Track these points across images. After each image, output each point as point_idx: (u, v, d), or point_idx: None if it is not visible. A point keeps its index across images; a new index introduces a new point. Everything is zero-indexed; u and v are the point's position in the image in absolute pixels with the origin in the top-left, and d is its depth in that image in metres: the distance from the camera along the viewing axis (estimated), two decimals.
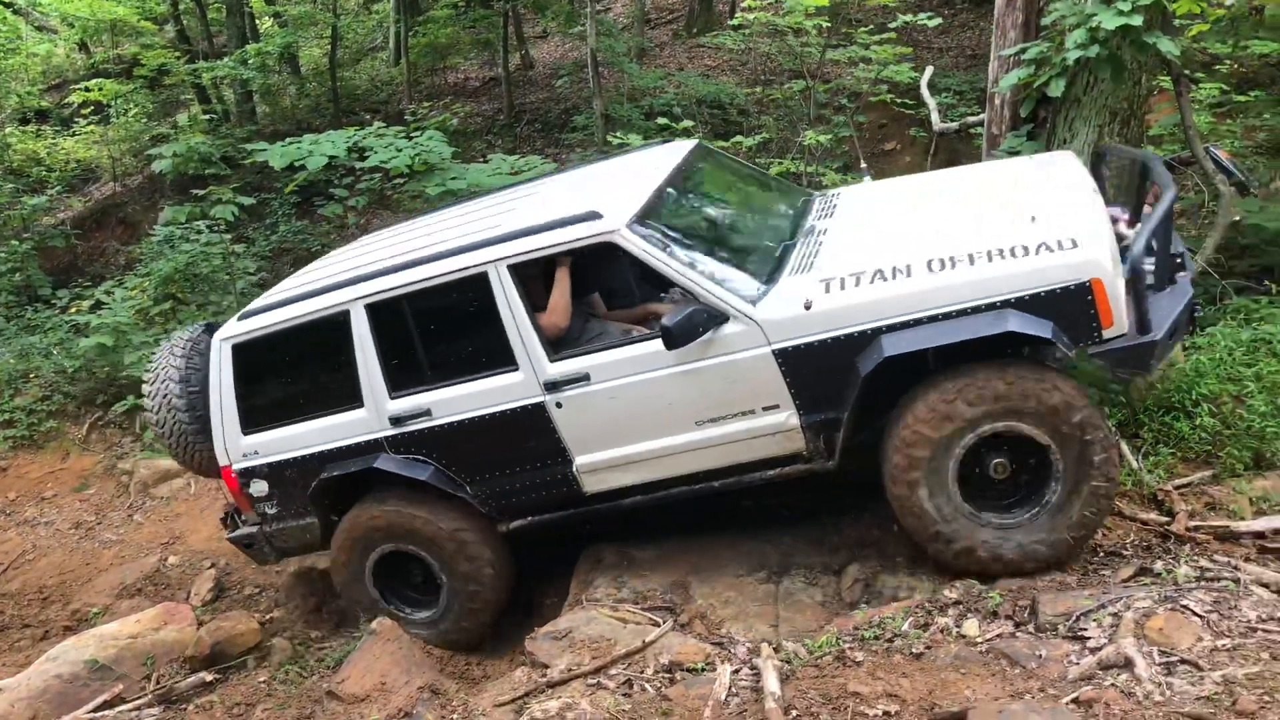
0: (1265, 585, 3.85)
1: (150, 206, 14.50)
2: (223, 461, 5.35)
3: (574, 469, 4.85)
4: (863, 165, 6.36)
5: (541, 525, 5.11)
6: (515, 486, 4.99)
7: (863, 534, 5.00)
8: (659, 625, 4.59)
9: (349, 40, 17.69)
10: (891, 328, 4.20)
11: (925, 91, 9.05)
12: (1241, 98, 10.64)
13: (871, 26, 11.39)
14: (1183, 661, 3.58)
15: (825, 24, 9.97)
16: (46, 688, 5.55)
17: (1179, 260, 4.47)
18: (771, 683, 3.80)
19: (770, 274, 4.61)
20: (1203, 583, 3.95)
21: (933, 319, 4.16)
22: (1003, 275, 4.11)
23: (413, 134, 7.70)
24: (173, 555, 7.34)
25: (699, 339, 4.37)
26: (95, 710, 5.44)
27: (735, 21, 11.52)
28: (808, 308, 4.31)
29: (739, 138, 8.45)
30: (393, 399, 4.99)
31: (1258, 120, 10.43)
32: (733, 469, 4.69)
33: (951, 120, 9.01)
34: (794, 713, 3.65)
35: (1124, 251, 4.30)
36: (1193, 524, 4.53)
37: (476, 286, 4.76)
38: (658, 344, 4.47)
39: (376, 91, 16.18)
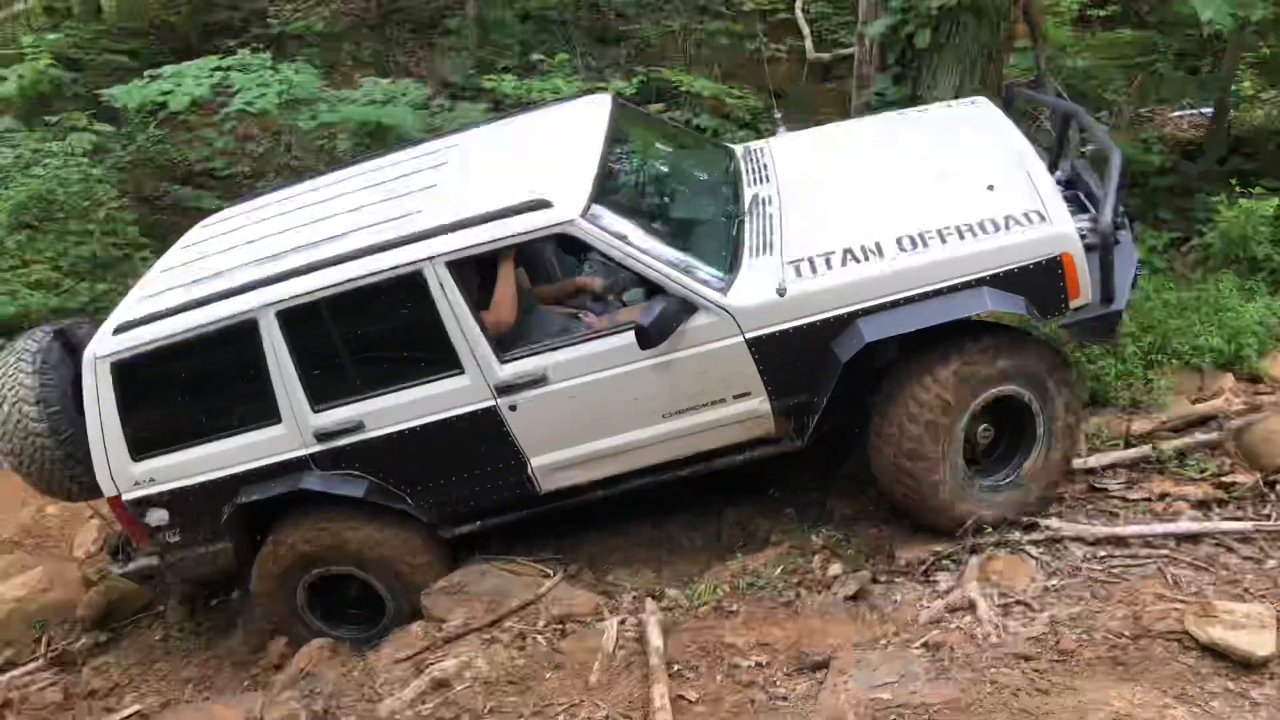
0: (1079, 539, 4.29)
1: None
2: (109, 491, 4.78)
3: (530, 470, 4.63)
4: (777, 115, 6.33)
5: (490, 529, 4.90)
6: (463, 493, 4.74)
7: (740, 477, 5.28)
8: (550, 576, 4.82)
9: None
10: (867, 311, 4.19)
11: (799, 15, 9.09)
12: (1100, 11, 11.07)
13: None
14: (1018, 603, 4.03)
15: None
16: None
17: (1120, 221, 4.46)
18: (655, 638, 4.09)
19: (730, 256, 4.47)
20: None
21: (909, 300, 4.16)
22: (976, 253, 4.14)
23: (278, 66, 7.38)
24: (50, 504, 7.19)
25: (672, 334, 4.22)
26: None
27: None
28: (781, 294, 4.21)
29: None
30: (316, 413, 4.58)
31: (1115, 34, 10.88)
32: (700, 456, 4.60)
33: (823, 52, 9.06)
34: (675, 666, 3.97)
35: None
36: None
37: (411, 286, 4.37)
38: (620, 339, 4.33)
39: None
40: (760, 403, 4.43)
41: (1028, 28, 6.49)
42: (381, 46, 13.25)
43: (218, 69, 7.46)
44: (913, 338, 4.23)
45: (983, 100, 5.36)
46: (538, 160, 4.90)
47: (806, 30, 9.11)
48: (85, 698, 5.16)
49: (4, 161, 9.76)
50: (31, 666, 5.52)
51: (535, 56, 9.07)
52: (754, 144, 5.53)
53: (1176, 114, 8.75)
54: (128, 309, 4.80)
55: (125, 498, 4.77)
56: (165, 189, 11.08)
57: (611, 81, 8.82)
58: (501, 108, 9.04)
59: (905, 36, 6.09)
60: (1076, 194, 4.62)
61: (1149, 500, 4.55)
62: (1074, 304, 4.24)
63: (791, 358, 4.31)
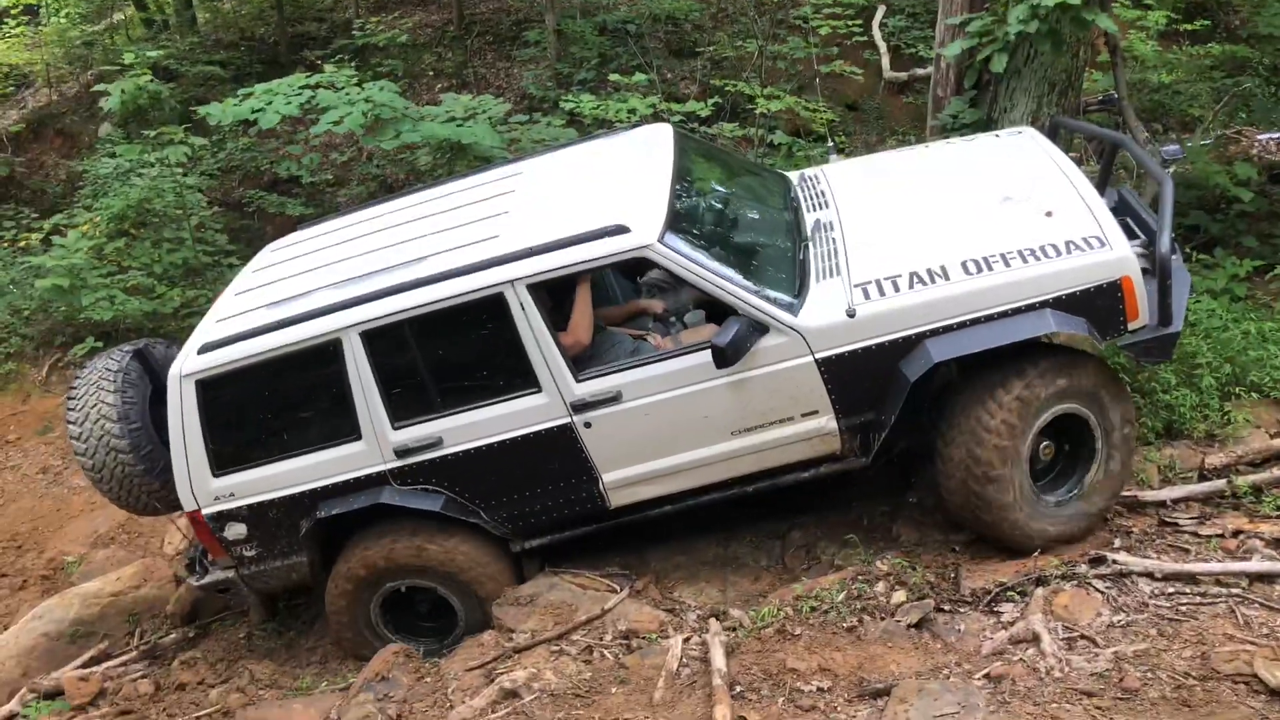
0: (1147, 574, 4.26)
1: (90, 117, 14.15)
2: (189, 506, 4.92)
3: (600, 486, 4.75)
4: (830, 143, 6.44)
5: (559, 542, 5.03)
6: (535, 508, 4.86)
7: (805, 500, 5.35)
8: (616, 592, 4.94)
9: None
10: (934, 332, 4.32)
11: (876, 34, 9.10)
12: (1189, 25, 10.83)
13: None
14: (1082, 637, 4.02)
15: None
16: (34, 645, 5.86)
17: (1174, 247, 4.60)
18: (718, 659, 4.18)
19: (798, 279, 4.61)
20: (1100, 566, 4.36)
21: (975, 322, 4.30)
22: (1039, 276, 4.28)
23: (365, 83, 7.64)
24: None
25: (746, 354, 4.35)
26: (83, 666, 5.74)
27: None
28: (851, 315, 4.35)
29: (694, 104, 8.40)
30: (396, 429, 4.70)
31: (1202, 49, 10.63)
32: (766, 473, 4.72)
33: (899, 71, 9.05)
34: (738, 688, 4.05)
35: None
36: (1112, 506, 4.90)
37: (492, 307, 4.52)
38: (693, 359, 4.48)
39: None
40: (828, 421, 4.55)
41: (1108, 48, 6.42)
42: (462, 58, 13.55)
43: (306, 87, 7.73)
44: (974, 359, 4.35)
45: (1029, 130, 5.49)
46: (607, 187, 5.05)
47: (883, 48, 9.11)
48: (174, 691, 5.42)
49: (104, 171, 10.26)
50: (125, 658, 5.82)
51: (613, 77, 9.18)
52: (808, 171, 5.69)
53: (1264, 137, 8.54)
54: (207, 330, 4.99)
55: (205, 512, 4.91)
56: (252, 195, 11.50)
57: (687, 101, 8.89)
58: (578, 125, 9.22)
59: (981, 61, 6.09)
60: (1125, 220, 4.70)
61: (1221, 536, 4.50)
62: (1132, 325, 4.37)
63: (859, 377, 4.43)
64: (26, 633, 5.93)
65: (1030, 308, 4.29)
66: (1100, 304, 4.30)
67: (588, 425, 4.63)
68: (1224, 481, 4.81)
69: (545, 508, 4.89)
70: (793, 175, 5.63)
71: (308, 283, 4.99)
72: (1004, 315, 4.30)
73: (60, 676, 5.54)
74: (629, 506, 4.87)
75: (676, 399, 4.55)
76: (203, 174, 11.15)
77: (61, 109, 14.63)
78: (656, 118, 8.62)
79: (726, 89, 9.60)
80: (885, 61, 9.56)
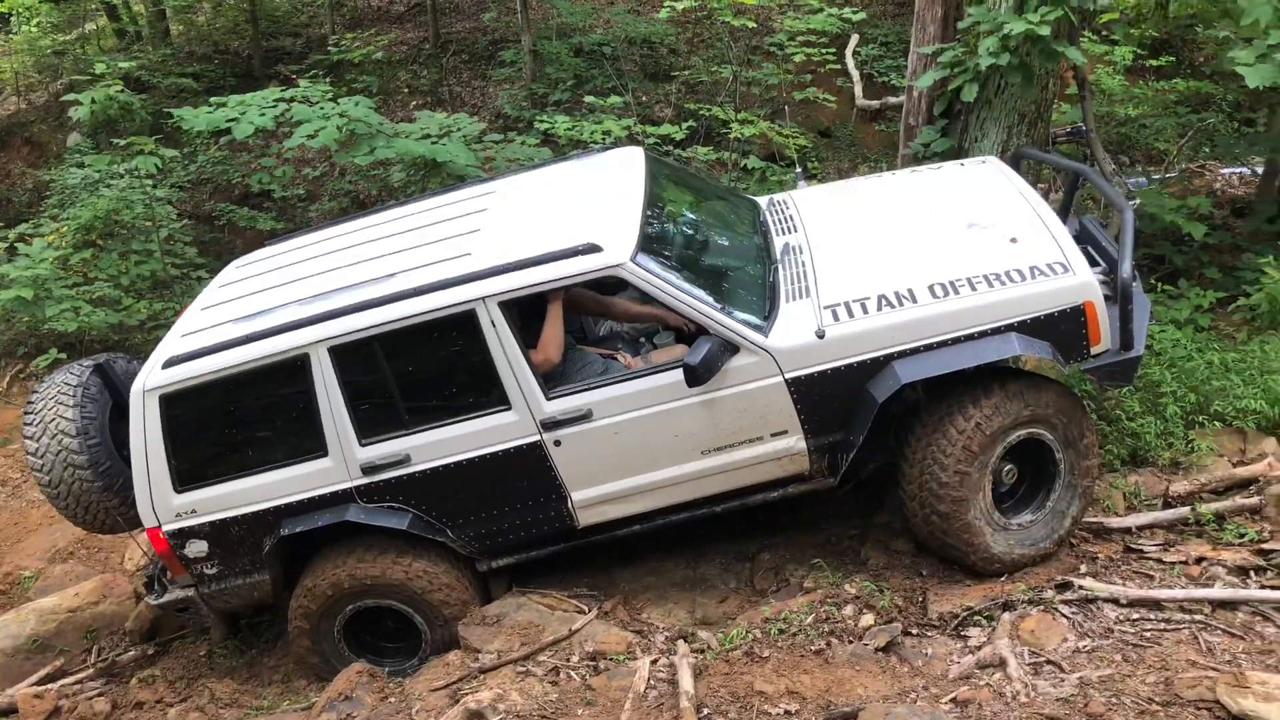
0: (1112, 600, 4.30)
1: (59, 126, 14.01)
2: (150, 523, 4.84)
3: (569, 505, 4.75)
4: (797, 169, 6.51)
5: (526, 562, 5.01)
6: (502, 527, 4.85)
7: (774, 521, 5.36)
8: (584, 612, 4.92)
9: None
10: (901, 354, 4.38)
11: (850, 62, 9.21)
12: (1155, 61, 11.05)
13: None
14: (1048, 662, 4.05)
15: None
16: None
17: (1134, 274, 4.66)
18: (686, 681, 4.16)
19: (768, 300, 4.66)
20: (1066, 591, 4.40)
21: (941, 344, 4.37)
22: (1005, 300, 4.36)
23: (340, 98, 7.62)
24: None
25: (717, 373, 4.38)
26: (38, 683, 5.62)
27: None
28: (821, 336, 4.40)
29: (668, 128, 8.47)
30: (363, 446, 4.68)
31: (1167, 84, 10.85)
32: (735, 493, 4.75)
33: (871, 99, 9.16)
34: (705, 710, 4.03)
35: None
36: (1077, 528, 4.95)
37: (462, 325, 4.51)
38: (663, 378, 4.51)
39: (297, 14, 15.67)
40: (796, 441, 4.58)
41: (1076, 81, 6.54)
42: (437, 76, 13.56)
43: (280, 100, 7.70)
44: (939, 380, 4.42)
45: (993, 159, 5.60)
46: (579, 208, 5.08)
47: (856, 76, 9.22)
48: (131, 709, 5.31)
49: (72, 181, 10.15)
50: (81, 676, 5.71)
51: (588, 99, 9.23)
52: (776, 196, 5.75)
53: (1227, 171, 8.71)
54: (172, 345, 4.90)
55: (165, 529, 4.85)
56: (223, 209, 11.42)
57: (662, 123, 8.95)
58: (553, 145, 9.25)
59: (953, 90, 6.17)
60: (1087, 248, 4.77)
61: (1185, 563, 4.55)
62: (1095, 350, 4.46)
63: (828, 398, 4.48)
64: None
65: (996, 331, 4.35)
66: (1064, 328, 4.38)
67: (557, 443, 4.62)
68: (1188, 509, 4.86)
69: (513, 526, 4.86)
70: (761, 200, 5.70)
71: (275, 298, 4.94)
72: (970, 338, 4.37)
73: (15, 693, 5.42)
74: (597, 526, 4.86)
75: (647, 417, 4.56)
76: (173, 186, 11.07)
77: (30, 117, 14.47)
78: (631, 140, 8.68)
79: (701, 113, 9.69)
80: (858, 89, 9.68)
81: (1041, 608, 4.31)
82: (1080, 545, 4.79)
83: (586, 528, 4.86)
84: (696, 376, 4.33)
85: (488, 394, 4.61)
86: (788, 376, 4.45)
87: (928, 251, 4.71)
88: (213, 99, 7.54)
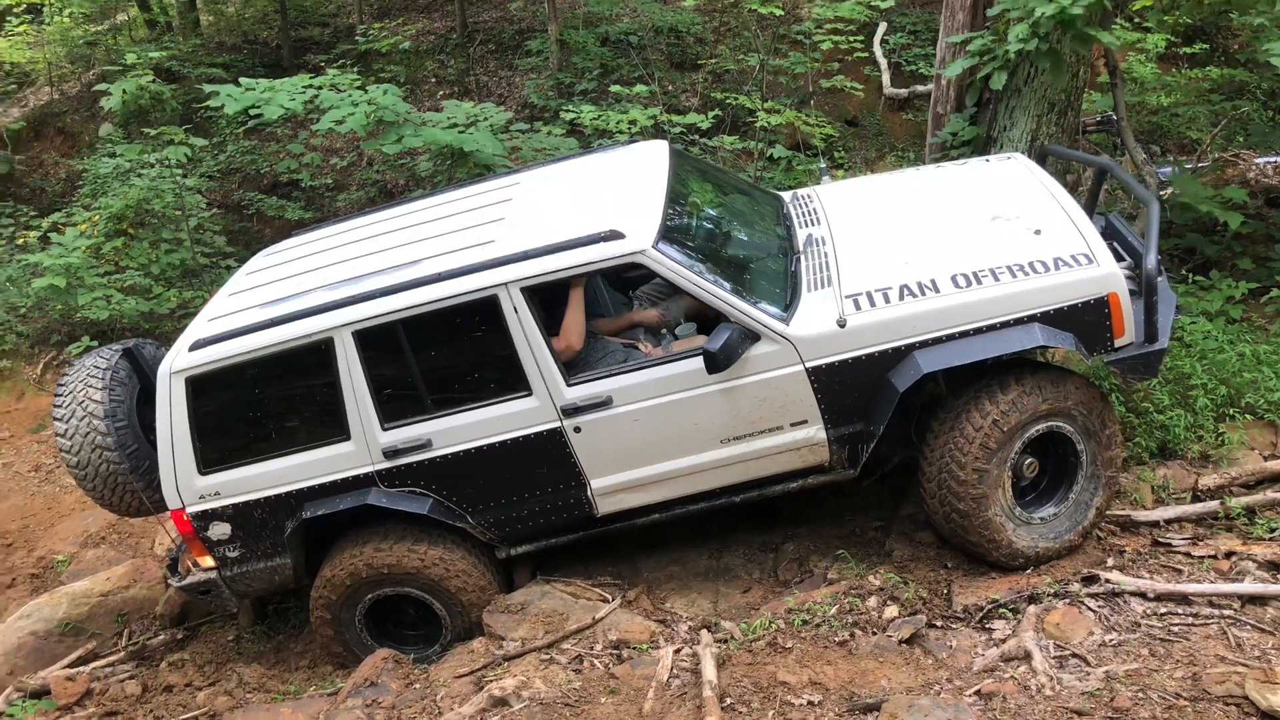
0: (1140, 594, 4.26)
1: (91, 117, 14.17)
2: (174, 504, 4.87)
3: (589, 492, 4.75)
4: (823, 164, 6.48)
5: (545, 550, 5.03)
6: (522, 513, 4.85)
7: (798, 512, 5.36)
8: (608, 601, 4.94)
9: None
10: (923, 343, 4.36)
11: (877, 50, 9.14)
12: (1188, 49, 10.89)
13: None
14: (1074, 656, 4.02)
15: None
16: (22, 644, 5.83)
17: (1159, 268, 4.63)
18: (709, 670, 4.17)
19: (790, 290, 4.65)
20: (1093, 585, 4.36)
21: (964, 334, 4.34)
22: (1028, 291, 4.33)
23: (368, 86, 7.65)
24: None
25: (737, 360, 4.38)
26: (71, 666, 5.71)
27: None
28: (842, 325, 4.37)
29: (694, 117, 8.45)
30: (385, 430, 4.71)
31: (1200, 73, 10.69)
32: (754, 483, 4.73)
33: (899, 88, 9.10)
34: (728, 700, 4.03)
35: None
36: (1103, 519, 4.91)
37: (485, 310, 4.52)
38: (683, 365, 4.49)
39: (325, 3, 15.74)
40: (816, 431, 4.57)
41: (1107, 69, 6.45)
42: (464, 65, 13.59)
43: (309, 86, 7.75)
44: (961, 372, 4.40)
45: (1018, 155, 5.56)
46: (603, 198, 5.08)
47: (884, 65, 9.15)
48: (161, 692, 5.39)
49: (104, 171, 10.26)
50: (113, 659, 5.80)
51: (614, 88, 9.22)
52: (801, 190, 5.74)
53: (1261, 160, 8.58)
54: (199, 329, 4.95)
55: (189, 510, 4.89)
56: (251, 198, 11.52)
57: (688, 113, 8.92)
58: (579, 135, 9.25)
59: (982, 79, 6.11)
60: (1112, 244, 4.74)
61: (1214, 558, 4.50)
62: (1119, 342, 4.42)
63: (849, 387, 4.47)
64: (14, 631, 5.90)
65: (1018, 322, 4.33)
66: (1088, 319, 4.35)
67: (577, 430, 4.63)
68: (1217, 503, 4.81)
69: (532, 513, 4.87)
70: (785, 195, 5.70)
71: (301, 284, 4.97)
72: (992, 329, 4.34)
73: (47, 676, 5.51)
74: (616, 514, 4.86)
75: (667, 405, 4.56)
76: (202, 175, 11.17)
77: (63, 108, 14.65)
78: (657, 129, 8.66)
79: (727, 102, 9.65)
80: (886, 78, 9.60)
81: (1067, 601, 4.28)
82: (1107, 538, 4.75)
83: (605, 516, 4.87)
84: (716, 363, 4.32)
85: (509, 380, 4.62)
86: (808, 365, 4.44)
87: (951, 243, 4.68)
88: (243, 80, 7.57)
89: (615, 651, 4.57)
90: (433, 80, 13.68)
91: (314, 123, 7.90)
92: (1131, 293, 4.42)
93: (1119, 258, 4.60)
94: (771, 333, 4.43)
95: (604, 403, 4.58)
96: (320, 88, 7.66)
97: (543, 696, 4.26)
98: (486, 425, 4.68)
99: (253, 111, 7.54)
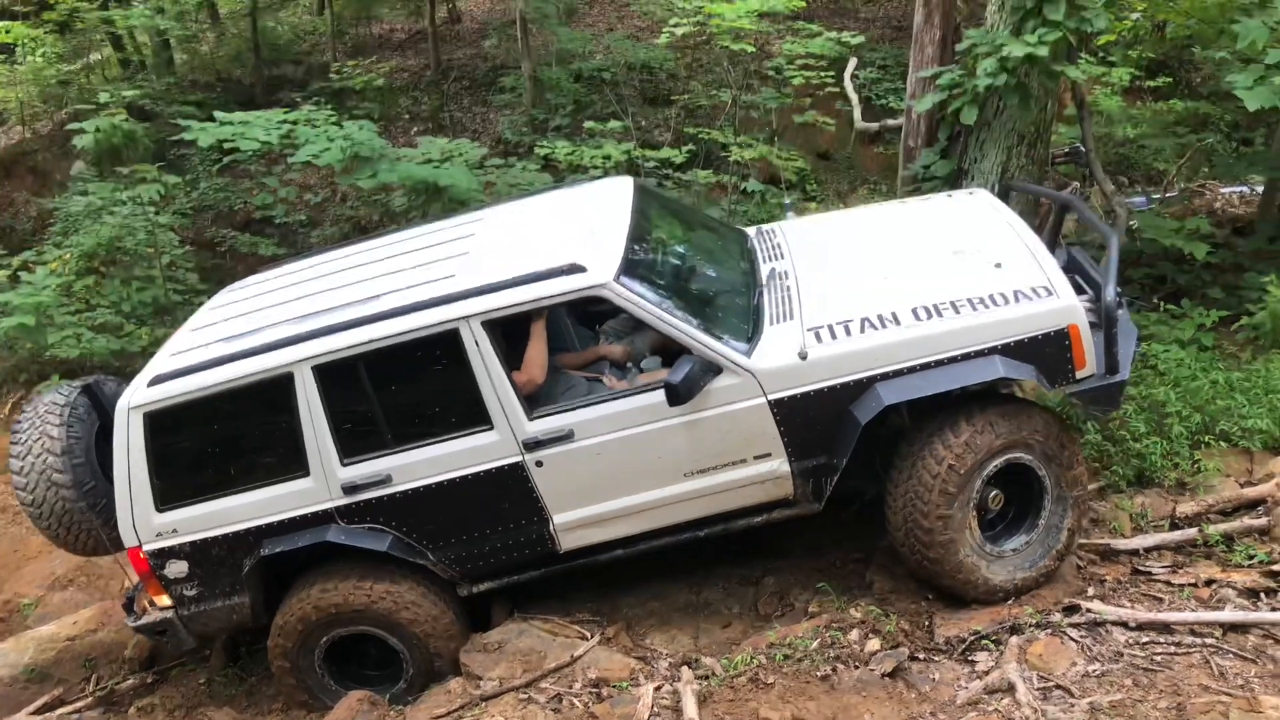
0: (1121, 623, 4.25)
1: (63, 155, 14.08)
2: (130, 542, 4.81)
3: (551, 527, 4.71)
4: (787, 200, 6.53)
5: (507, 587, 4.97)
6: (484, 549, 4.80)
7: (777, 544, 5.32)
8: (587, 639, 4.87)
9: None
10: (885, 376, 4.36)
11: (848, 85, 9.25)
12: (1152, 82, 11.09)
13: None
14: (1057, 687, 4.00)
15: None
16: None
17: (1120, 300, 4.68)
18: (690, 708, 4.11)
19: (751, 323, 4.66)
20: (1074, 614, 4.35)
21: (925, 366, 4.35)
22: (989, 323, 4.35)
23: (343, 121, 7.65)
24: None
25: (699, 393, 4.36)
26: (36, 712, 5.57)
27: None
28: (803, 357, 4.38)
29: (669, 151, 8.51)
30: (345, 466, 4.66)
31: (1165, 105, 10.88)
32: (719, 517, 4.70)
33: (870, 122, 9.20)
34: None
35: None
36: (1079, 540, 4.91)
37: (446, 344, 4.50)
38: (645, 398, 4.48)
39: (299, 42, 15.79)
40: (780, 464, 4.55)
41: (1075, 102, 6.55)
42: (438, 102, 13.63)
43: (284, 121, 7.73)
44: (924, 404, 4.40)
45: (981, 191, 5.66)
46: (567, 232, 5.10)
47: (855, 99, 9.25)
48: None
49: (75, 209, 10.18)
50: (80, 705, 5.65)
51: (588, 124, 9.27)
52: (765, 226, 5.77)
53: (1227, 190, 8.72)
54: (159, 364, 4.90)
55: (146, 548, 4.82)
56: (225, 235, 11.44)
57: (661, 147, 8.97)
58: (553, 170, 9.27)
59: (953, 113, 6.18)
60: (1074, 277, 4.79)
61: (1194, 585, 4.51)
62: (1080, 373, 4.43)
63: (811, 420, 4.46)
64: None
65: (979, 354, 4.34)
66: (1048, 351, 4.36)
67: (539, 464, 4.59)
68: (1195, 530, 4.83)
69: (494, 550, 4.82)
70: (750, 230, 5.73)
71: (263, 319, 4.95)
72: (954, 360, 4.35)
73: None
74: (579, 550, 4.81)
75: (629, 438, 4.53)
76: (175, 212, 11.07)
77: (34, 146, 14.56)
78: (631, 164, 8.69)
79: (700, 137, 9.71)
80: (857, 112, 9.70)
81: (1049, 631, 4.27)
82: (1087, 567, 4.76)
83: (569, 552, 4.81)
84: (678, 395, 4.30)
85: (470, 414, 4.59)
86: (770, 398, 4.43)
87: (912, 276, 4.72)
88: (217, 113, 7.55)
89: (595, 690, 4.51)
90: (406, 117, 13.72)
91: (289, 158, 7.89)
92: (1092, 325, 4.45)
93: (1080, 290, 4.64)
94: (733, 365, 4.43)
95: (566, 436, 4.55)
96: (295, 122, 7.65)
97: None
98: (447, 460, 4.64)
99: (228, 145, 7.51)
